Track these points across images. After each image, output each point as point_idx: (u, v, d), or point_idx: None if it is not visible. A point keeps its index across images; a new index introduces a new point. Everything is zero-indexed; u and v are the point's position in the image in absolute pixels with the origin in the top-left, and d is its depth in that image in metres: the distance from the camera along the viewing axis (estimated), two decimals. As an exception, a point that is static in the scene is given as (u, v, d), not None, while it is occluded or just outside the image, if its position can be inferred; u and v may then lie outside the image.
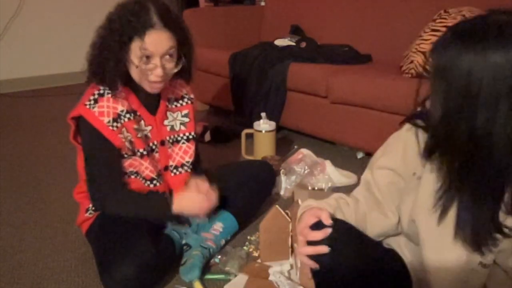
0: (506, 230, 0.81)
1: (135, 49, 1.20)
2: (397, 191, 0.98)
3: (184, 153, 1.43)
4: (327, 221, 0.88)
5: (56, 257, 1.46)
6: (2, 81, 3.78)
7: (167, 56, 1.25)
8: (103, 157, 1.29)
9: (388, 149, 1.01)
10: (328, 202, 1.02)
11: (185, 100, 1.46)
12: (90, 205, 1.38)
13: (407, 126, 0.96)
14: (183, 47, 1.29)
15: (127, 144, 1.30)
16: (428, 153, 0.86)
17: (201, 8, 3.46)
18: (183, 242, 1.40)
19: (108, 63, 1.22)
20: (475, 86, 0.73)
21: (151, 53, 1.21)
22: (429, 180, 0.89)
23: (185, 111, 1.45)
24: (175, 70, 1.29)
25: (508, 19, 0.75)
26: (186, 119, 1.44)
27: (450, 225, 0.85)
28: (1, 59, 3.77)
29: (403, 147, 0.96)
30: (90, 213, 1.39)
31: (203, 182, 1.35)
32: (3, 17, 3.71)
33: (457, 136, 0.77)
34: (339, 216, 0.98)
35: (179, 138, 1.43)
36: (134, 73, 1.25)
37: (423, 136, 0.90)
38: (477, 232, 0.82)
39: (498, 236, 0.82)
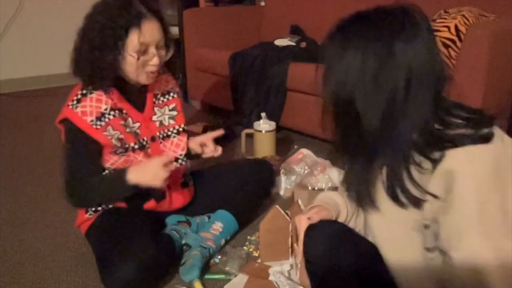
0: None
1: (132, 43, 1.21)
2: None
3: (176, 147, 1.44)
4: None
5: (56, 257, 1.46)
6: (2, 81, 3.78)
7: (160, 45, 1.28)
8: (83, 153, 1.28)
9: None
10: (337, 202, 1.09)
11: (171, 94, 1.46)
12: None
13: None
14: (166, 36, 1.31)
15: (114, 141, 1.29)
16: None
17: (201, 8, 3.45)
18: (183, 242, 1.40)
19: (102, 63, 1.22)
20: (352, 74, 0.87)
21: (148, 43, 1.24)
22: None
23: (172, 105, 1.45)
24: (167, 58, 1.32)
25: (389, 10, 0.84)
26: (174, 112, 1.45)
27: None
28: (1, 59, 3.77)
29: None
30: (90, 214, 1.38)
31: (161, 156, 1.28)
32: (3, 17, 3.71)
33: (340, 113, 0.96)
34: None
35: (169, 133, 1.43)
36: (131, 68, 1.25)
37: None
38: (357, 190, 0.96)
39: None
